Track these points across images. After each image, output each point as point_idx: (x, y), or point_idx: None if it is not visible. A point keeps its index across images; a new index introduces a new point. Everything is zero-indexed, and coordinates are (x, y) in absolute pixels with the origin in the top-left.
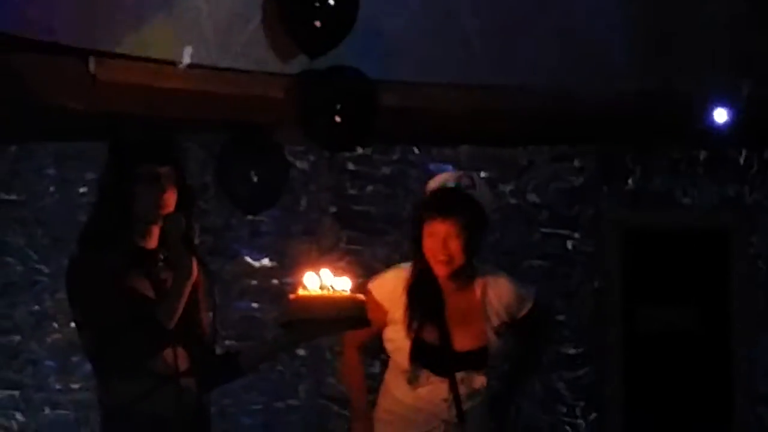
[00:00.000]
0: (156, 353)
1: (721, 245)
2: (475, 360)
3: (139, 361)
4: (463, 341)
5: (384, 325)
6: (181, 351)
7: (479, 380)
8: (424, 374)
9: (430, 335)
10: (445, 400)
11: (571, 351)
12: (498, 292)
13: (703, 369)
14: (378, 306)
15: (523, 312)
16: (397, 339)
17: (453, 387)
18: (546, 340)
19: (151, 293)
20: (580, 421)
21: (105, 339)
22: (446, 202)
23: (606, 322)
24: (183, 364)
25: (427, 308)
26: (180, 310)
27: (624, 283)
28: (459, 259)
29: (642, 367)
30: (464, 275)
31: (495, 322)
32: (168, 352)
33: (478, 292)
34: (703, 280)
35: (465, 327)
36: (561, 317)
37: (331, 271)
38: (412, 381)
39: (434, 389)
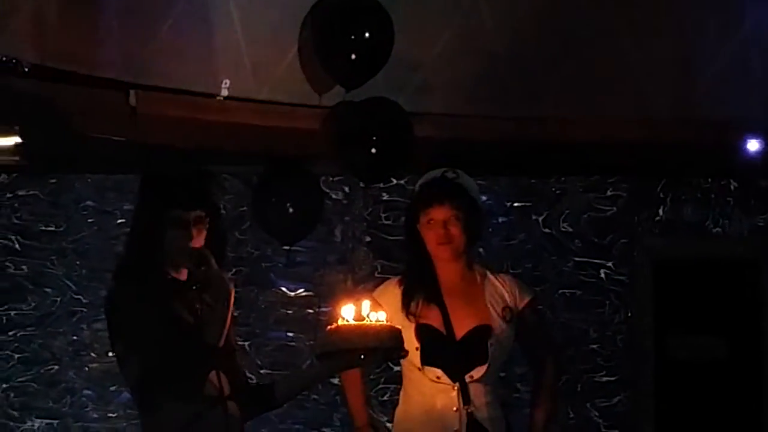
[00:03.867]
0: (207, 375)
1: (751, 275)
2: (479, 343)
3: (192, 384)
4: (464, 322)
5: None
6: (223, 376)
7: (482, 370)
8: (435, 372)
9: (432, 319)
10: (456, 410)
11: (604, 379)
12: (498, 279)
13: (733, 397)
14: (378, 307)
15: (524, 302)
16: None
17: (464, 393)
18: (554, 351)
19: (190, 320)
20: None
21: (154, 367)
22: (439, 190)
23: (638, 350)
24: (226, 388)
25: (423, 291)
26: (226, 329)
27: (656, 312)
28: (459, 241)
29: (674, 396)
30: (463, 261)
31: (498, 304)
32: (213, 375)
33: (478, 277)
34: (733, 309)
35: (465, 306)
36: (594, 346)
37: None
38: (425, 373)
39: (445, 397)
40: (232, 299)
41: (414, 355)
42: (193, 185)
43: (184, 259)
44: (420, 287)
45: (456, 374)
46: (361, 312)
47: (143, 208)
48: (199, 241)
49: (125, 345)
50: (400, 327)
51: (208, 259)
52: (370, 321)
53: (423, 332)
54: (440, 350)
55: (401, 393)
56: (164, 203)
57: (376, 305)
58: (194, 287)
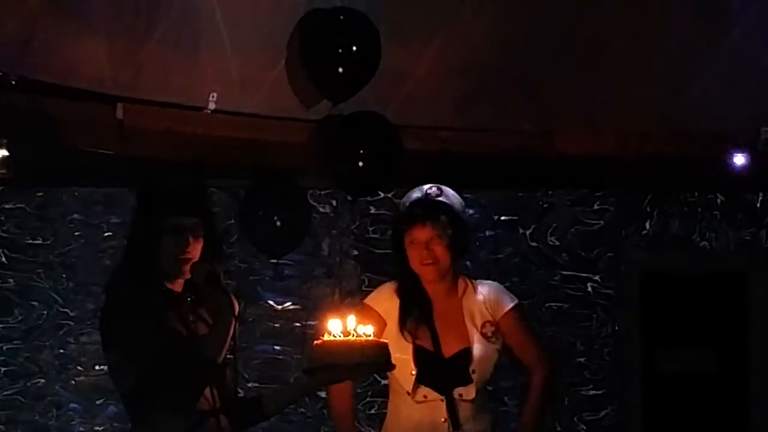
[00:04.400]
0: (203, 389)
1: (737, 288)
2: (464, 365)
3: (186, 397)
4: (450, 342)
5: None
6: (215, 389)
7: (472, 391)
8: (422, 391)
9: (424, 341)
10: (444, 420)
11: (592, 392)
12: (478, 290)
13: (721, 410)
14: (377, 318)
15: (503, 310)
16: (396, 351)
17: (450, 405)
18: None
19: (183, 332)
20: None
21: (149, 378)
22: (420, 211)
23: (626, 363)
24: (218, 401)
25: (417, 309)
26: (227, 345)
27: (643, 325)
28: (444, 260)
29: (661, 409)
30: (449, 278)
31: (478, 321)
32: (207, 389)
33: (459, 293)
34: (720, 322)
35: (451, 328)
36: (581, 359)
37: (355, 315)
38: (413, 398)
39: (433, 409)
40: (236, 316)
41: (406, 380)
42: (188, 194)
43: (181, 268)
44: (414, 305)
45: (443, 389)
46: (348, 327)
47: (140, 217)
48: (195, 249)
49: (119, 355)
50: (386, 341)
51: (217, 276)
52: (357, 336)
53: (419, 356)
54: (430, 369)
55: (389, 405)
56: (161, 211)
57: (370, 311)
58: (189, 299)
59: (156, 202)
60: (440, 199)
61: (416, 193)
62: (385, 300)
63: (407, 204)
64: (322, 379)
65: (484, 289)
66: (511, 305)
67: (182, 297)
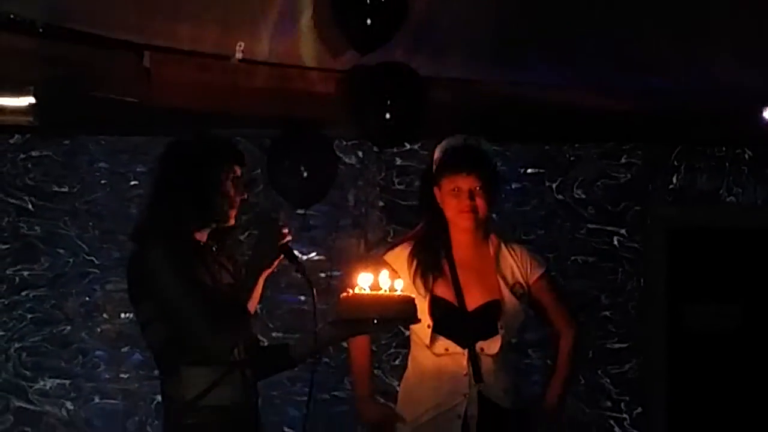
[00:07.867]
0: (241, 339)
1: (765, 243)
2: (490, 317)
3: (218, 350)
4: (475, 295)
5: None
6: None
7: (495, 345)
8: (443, 344)
9: (444, 291)
10: (465, 374)
11: (616, 346)
12: (510, 251)
13: (746, 365)
14: (394, 274)
15: (535, 276)
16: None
17: (472, 358)
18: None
19: (210, 283)
20: (624, 415)
21: (179, 332)
22: (466, 158)
23: (651, 318)
24: (243, 352)
25: (437, 260)
26: (258, 294)
27: (668, 280)
28: (483, 211)
29: (686, 363)
30: (482, 231)
31: (509, 279)
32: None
33: (491, 248)
34: (746, 277)
35: (477, 280)
36: (606, 313)
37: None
38: (432, 350)
39: (454, 362)
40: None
41: (424, 333)
42: (235, 144)
43: (232, 210)
44: (435, 257)
45: (465, 343)
46: (378, 282)
47: (191, 168)
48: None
49: (149, 310)
50: (413, 295)
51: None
52: (385, 291)
53: (436, 307)
54: (451, 322)
55: (409, 358)
56: (225, 162)
57: (388, 268)
58: (213, 248)
59: (217, 155)
60: (484, 148)
61: (456, 142)
62: (400, 257)
63: (449, 151)
64: (347, 332)
65: (517, 253)
66: (543, 269)
67: (207, 246)
